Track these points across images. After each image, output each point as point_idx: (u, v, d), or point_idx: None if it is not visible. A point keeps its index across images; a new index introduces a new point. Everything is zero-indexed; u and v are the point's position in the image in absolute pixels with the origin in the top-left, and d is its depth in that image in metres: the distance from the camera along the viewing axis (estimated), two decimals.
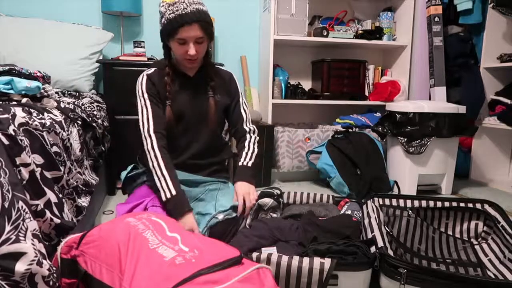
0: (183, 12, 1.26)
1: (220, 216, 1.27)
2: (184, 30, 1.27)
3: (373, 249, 1.16)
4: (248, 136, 1.51)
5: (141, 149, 1.38)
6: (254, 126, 1.55)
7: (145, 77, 1.40)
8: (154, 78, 1.40)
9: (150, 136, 1.33)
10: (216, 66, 1.54)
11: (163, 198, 1.26)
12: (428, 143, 2.13)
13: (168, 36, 1.31)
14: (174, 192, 1.25)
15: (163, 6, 1.31)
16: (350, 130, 2.49)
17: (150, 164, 1.30)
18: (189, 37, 1.28)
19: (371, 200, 1.52)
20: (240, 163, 1.45)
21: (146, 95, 1.37)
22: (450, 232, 1.48)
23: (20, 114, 0.90)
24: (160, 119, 1.37)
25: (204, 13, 1.30)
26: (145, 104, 1.37)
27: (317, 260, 1.04)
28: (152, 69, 1.43)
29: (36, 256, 0.69)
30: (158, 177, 1.28)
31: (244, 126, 1.52)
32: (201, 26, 1.28)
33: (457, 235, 1.47)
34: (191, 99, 1.43)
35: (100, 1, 2.40)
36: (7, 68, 1.17)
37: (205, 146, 1.46)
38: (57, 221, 0.89)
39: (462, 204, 1.48)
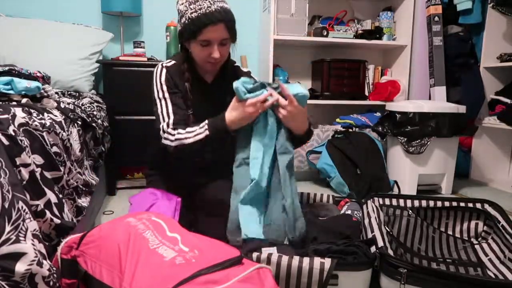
0: (208, 10, 1.16)
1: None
2: (209, 31, 1.17)
3: (373, 249, 1.16)
4: None
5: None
6: None
7: (163, 69, 1.29)
8: (173, 72, 1.29)
9: (169, 132, 1.22)
10: (236, 65, 1.44)
11: (208, 136, 1.18)
12: (428, 143, 2.13)
13: (189, 37, 1.21)
14: (204, 124, 1.19)
15: (182, 4, 1.20)
16: (350, 130, 2.49)
17: (172, 146, 1.21)
18: (213, 38, 1.19)
19: (371, 200, 1.52)
20: None
21: (165, 87, 1.26)
22: (450, 232, 1.48)
23: (20, 115, 0.90)
24: (181, 110, 1.26)
25: (230, 12, 1.21)
26: (164, 96, 1.25)
27: (317, 260, 1.04)
28: (171, 62, 1.32)
29: (36, 257, 0.69)
30: (186, 138, 1.18)
31: None
32: (226, 26, 1.19)
33: (457, 235, 1.47)
34: (211, 108, 1.26)
35: (100, 1, 2.40)
36: (7, 68, 1.16)
37: (220, 149, 1.34)
38: (57, 221, 0.89)
39: (462, 204, 1.48)
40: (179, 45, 1.33)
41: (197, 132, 1.18)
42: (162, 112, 1.25)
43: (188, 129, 1.21)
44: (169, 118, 1.23)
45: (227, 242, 1.14)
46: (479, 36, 2.61)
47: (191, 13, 1.17)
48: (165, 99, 1.26)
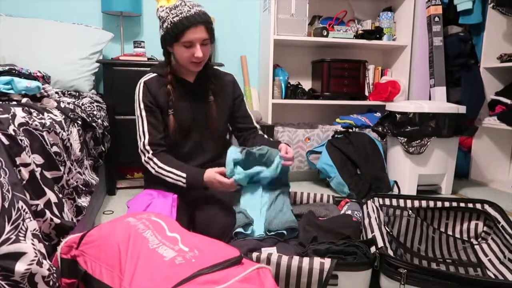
0: (188, 14, 1.26)
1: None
2: (191, 32, 1.27)
3: (373, 249, 1.16)
4: (261, 132, 1.60)
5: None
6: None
7: (142, 85, 1.39)
8: (152, 85, 1.38)
9: (146, 150, 1.36)
10: (215, 68, 1.53)
11: (184, 186, 1.31)
12: (428, 143, 2.13)
13: (173, 40, 1.30)
14: (184, 175, 1.31)
15: (163, 11, 1.30)
16: (350, 130, 2.49)
17: (153, 171, 1.34)
18: (195, 39, 1.28)
19: (371, 200, 1.52)
20: (270, 139, 1.56)
21: (142, 105, 1.37)
22: (450, 232, 1.48)
23: (20, 114, 0.90)
24: (156, 130, 1.38)
25: (207, 15, 1.32)
26: (141, 114, 1.38)
27: (317, 260, 1.04)
28: (151, 75, 1.41)
29: (36, 256, 0.69)
30: (166, 176, 1.33)
31: (255, 124, 1.59)
32: (206, 27, 1.29)
33: (457, 235, 1.47)
34: (193, 106, 1.43)
35: (100, 1, 2.40)
36: (7, 68, 1.16)
37: (211, 151, 1.47)
38: (57, 221, 0.89)
39: (462, 204, 1.48)
40: (162, 50, 1.40)
41: (177, 179, 1.32)
42: (139, 130, 1.38)
43: (171, 168, 1.33)
44: (144, 137, 1.36)
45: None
46: (479, 36, 2.61)
47: (173, 17, 1.27)
48: (142, 117, 1.38)
